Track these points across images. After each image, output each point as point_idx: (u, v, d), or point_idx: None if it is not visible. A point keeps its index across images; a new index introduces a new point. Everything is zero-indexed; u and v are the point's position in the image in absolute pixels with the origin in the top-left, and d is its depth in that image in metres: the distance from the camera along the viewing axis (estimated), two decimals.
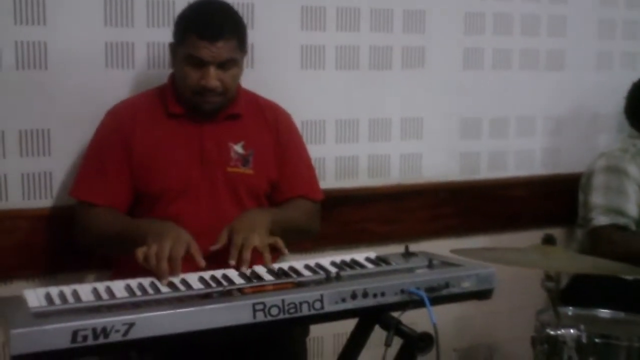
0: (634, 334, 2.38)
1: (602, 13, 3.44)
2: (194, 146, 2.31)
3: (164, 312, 1.63)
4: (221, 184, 2.32)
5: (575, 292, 3.02)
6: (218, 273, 1.94)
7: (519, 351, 3.01)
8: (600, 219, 3.03)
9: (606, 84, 3.38)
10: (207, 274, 1.92)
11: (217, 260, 2.01)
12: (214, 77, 2.23)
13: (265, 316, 1.71)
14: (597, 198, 3.08)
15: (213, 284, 1.85)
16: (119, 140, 2.29)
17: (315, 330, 2.58)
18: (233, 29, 2.26)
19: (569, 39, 3.36)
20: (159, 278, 1.87)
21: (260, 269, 1.98)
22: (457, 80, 3.14)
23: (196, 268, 1.94)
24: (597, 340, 2.29)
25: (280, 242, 2.10)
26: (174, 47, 2.30)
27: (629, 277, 2.93)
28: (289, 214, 2.35)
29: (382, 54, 2.95)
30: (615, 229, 3.01)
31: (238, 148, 2.35)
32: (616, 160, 3.12)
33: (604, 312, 2.65)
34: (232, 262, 2.00)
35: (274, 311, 1.72)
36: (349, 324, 1.99)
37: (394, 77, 2.99)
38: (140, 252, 1.93)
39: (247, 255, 2.00)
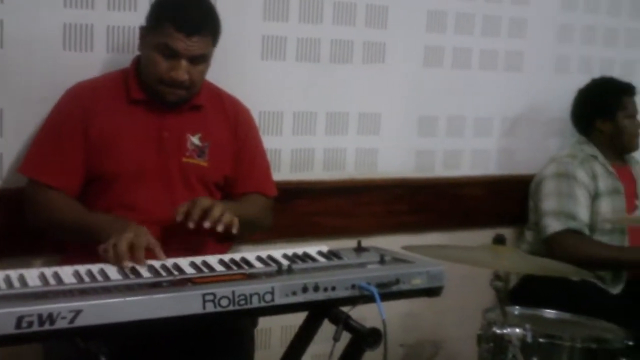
0: (577, 335, 2.42)
1: (562, 17, 3.49)
2: (152, 134, 2.30)
3: (112, 300, 1.62)
4: (175, 174, 2.31)
5: (524, 291, 3.07)
6: (169, 262, 1.92)
7: (465, 349, 3.04)
8: (554, 225, 3.07)
9: (563, 88, 3.41)
10: (157, 263, 1.91)
11: (171, 249, 2.00)
12: (184, 71, 2.22)
13: (215, 307, 1.70)
14: (548, 204, 3.12)
15: (163, 273, 1.84)
16: (78, 119, 2.26)
17: (264, 321, 2.59)
18: (211, 25, 2.27)
19: (529, 41, 3.40)
20: (122, 265, 1.86)
21: (211, 259, 1.97)
22: (416, 78, 3.15)
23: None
24: (541, 340, 2.33)
25: (236, 221, 2.10)
26: (146, 32, 2.28)
27: (576, 279, 2.98)
28: (244, 207, 2.35)
29: (343, 48, 2.95)
30: (570, 233, 3.05)
31: (195, 139, 2.34)
32: (565, 167, 3.16)
33: (550, 313, 2.69)
34: (208, 224, 2.04)
35: (224, 302, 1.71)
36: (298, 317, 1.99)
37: (354, 71, 3.00)
38: (102, 249, 1.93)
39: (217, 212, 2.04)
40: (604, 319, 2.62)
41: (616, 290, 3.14)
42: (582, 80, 3.36)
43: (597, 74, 3.42)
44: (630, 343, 2.41)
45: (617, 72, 3.50)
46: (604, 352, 2.37)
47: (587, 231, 3.08)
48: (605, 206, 3.15)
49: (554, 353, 2.37)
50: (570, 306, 2.70)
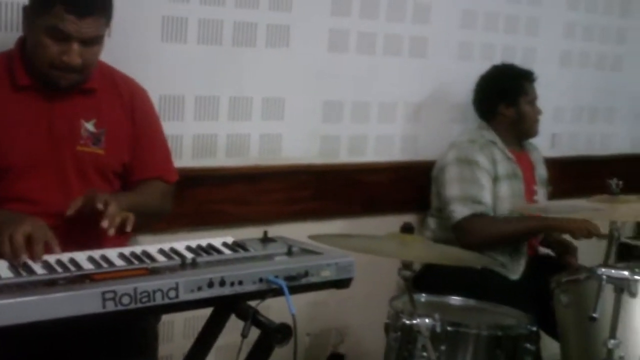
0: (483, 322, 2.44)
1: (465, 3, 3.49)
2: (42, 122, 2.15)
3: (3, 302, 1.50)
4: (69, 163, 2.18)
5: (428, 278, 3.07)
6: (65, 257, 1.81)
7: (372, 336, 3.04)
8: (460, 211, 3.08)
9: (466, 74, 3.42)
10: (52, 258, 1.79)
11: (67, 242, 1.89)
12: (77, 54, 2.08)
13: (116, 305, 1.61)
14: (452, 190, 3.13)
15: (59, 269, 1.73)
16: None
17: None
18: (102, 5, 2.13)
19: (433, 26, 3.39)
20: (18, 260, 1.75)
21: (111, 253, 1.87)
22: (321, 62, 3.09)
23: None
24: (448, 328, 2.32)
25: (131, 218, 2.01)
26: (31, 13, 2.12)
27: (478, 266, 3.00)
28: (143, 198, 2.25)
29: (246, 31, 2.86)
30: (477, 217, 3.07)
31: (89, 126, 2.21)
32: (465, 152, 3.18)
33: (456, 300, 2.71)
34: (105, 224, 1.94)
35: (125, 300, 1.62)
36: (202, 309, 1.90)
37: (258, 55, 2.91)
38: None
39: (114, 209, 1.95)
40: (507, 304, 2.65)
41: (516, 275, 3.18)
42: (484, 66, 3.38)
43: (498, 60, 3.45)
44: (534, 329, 2.45)
45: (519, 59, 3.54)
46: (508, 339, 2.39)
47: (492, 213, 3.12)
48: (505, 190, 3.18)
49: (461, 341, 2.38)
50: (473, 292, 2.72)
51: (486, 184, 3.13)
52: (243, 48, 2.87)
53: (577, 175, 4.03)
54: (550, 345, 2.97)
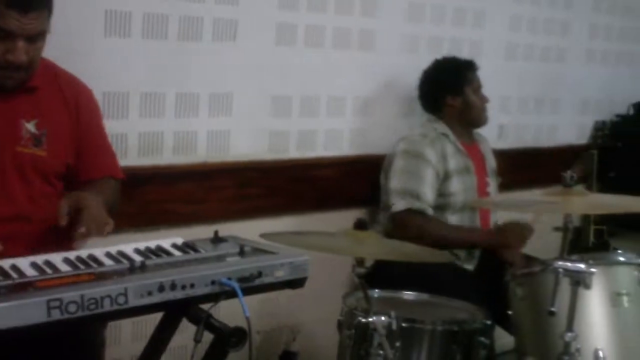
0: (438, 318, 2.42)
1: None
2: None
3: None
4: (9, 165, 2.09)
5: (380, 273, 3.04)
6: (6, 263, 1.72)
7: (324, 334, 3.00)
8: (398, 204, 3.07)
9: (414, 67, 3.40)
10: None
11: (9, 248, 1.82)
12: (22, 52, 1.99)
13: (62, 314, 1.54)
14: (395, 182, 3.11)
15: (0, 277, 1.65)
16: None
17: None
18: None
19: (380, 20, 3.36)
20: None
21: (55, 258, 1.79)
22: (269, 57, 3.04)
23: None
24: (404, 324, 2.30)
25: (111, 223, 1.99)
26: None
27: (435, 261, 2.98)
28: (106, 198, 2.17)
29: (192, 25, 2.79)
30: (412, 213, 3.06)
31: (30, 126, 2.12)
32: (415, 145, 3.16)
33: (409, 294, 2.69)
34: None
35: (72, 308, 1.55)
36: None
37: (204, 49, 2.84)
38: None
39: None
40: (461, 297, 2.64)
41: (470, 266, 3.18)
42: (432, 59, 3.36)
43: (446, 53, 3.43)
44: (488, 322, 2.44)
45: (466, 52, 3.54)
46: (464, 333, 2.38)
47: (430, 212, 3.09)
48: (457, 185, 3.17)
49: (416, 337, 2.36)
50: (427, 286, 2.70)
51: (430, 179, 3.11)
52: (189, 42, 2.80)
53: (525, 166, 4.06)
54: (501, 337, 2.97)
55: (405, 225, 3.04)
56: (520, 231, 3.09)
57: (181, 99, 2.83)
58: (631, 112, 4.53)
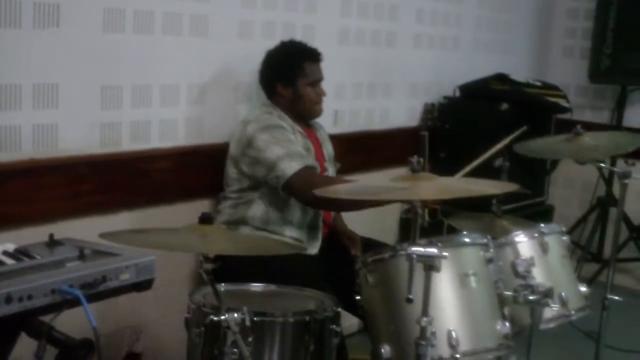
0: (289, 309, 2.38)
1: None
2: None
3: None
4: None
5: (226, 266, 2.96)
6: None
7: (170, 333, 2.90)
8: (290, 166, 2.96)
9: (248, 53, 3.34)
10: None
11: None
12: None
13: None
14: (275, 151, 3.00)
15: None
16: None
17: None
18: None
19: (212, 4, 3.25)
20: None
21: None
22: (96, 44, 2.85)
23: None
24: (255, 319, 2.24)
25: None
26: None
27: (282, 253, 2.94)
28: None
29: (9, 10, 2.56)
30: (309, 169, 3.01)
31: None
32: (268, 120, 3.12)
33: (257, 287, 2.63)
34: None
35: None
36: None
37: (24, 37, 2.63)
38: None
39: None
40: (308, 285, 2.62)
41: (314, 250, 3.16)
42: (265, 45, 3.31)
43: (279, 39, 3.38)
44: (338, 309, 2.43)
45: (299, 37, 3.49)
46: (315, 322, 2.35)
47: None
48: None
49: (268, 330, 2.31)
50: (274, 277, 2.66)
51: (300, 144, 3.10)
52: (6, 29, 2.57)
53: (359, 149, 4.11)
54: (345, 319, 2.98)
55: (310, 182, 2.88)
56: None
57: (0, 91, 2.61)
58: (457, 94, 4.68)
